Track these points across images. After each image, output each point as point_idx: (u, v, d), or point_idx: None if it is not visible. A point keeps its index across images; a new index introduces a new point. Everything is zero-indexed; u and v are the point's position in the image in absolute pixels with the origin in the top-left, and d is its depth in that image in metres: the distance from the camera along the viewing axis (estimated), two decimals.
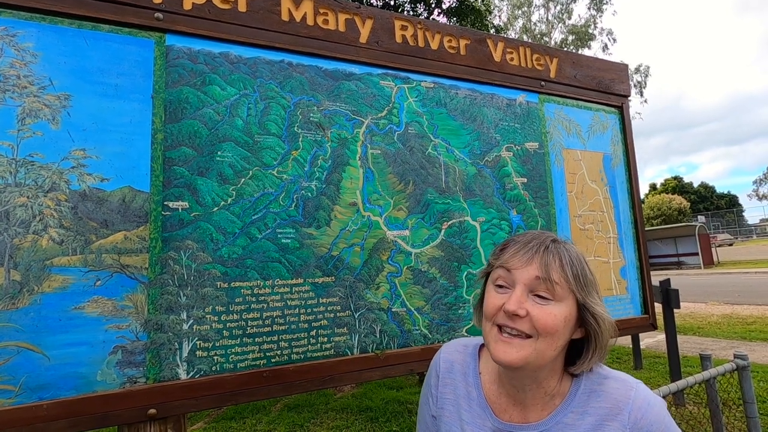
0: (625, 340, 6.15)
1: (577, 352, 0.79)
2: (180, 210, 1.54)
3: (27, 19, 1.44)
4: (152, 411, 1.41)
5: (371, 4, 6.57)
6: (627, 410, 0.73)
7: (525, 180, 2.25)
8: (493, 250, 0.84)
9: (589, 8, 22.51)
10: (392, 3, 6.64)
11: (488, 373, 0.86)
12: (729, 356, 5.24)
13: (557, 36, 23.45)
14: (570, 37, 22.74)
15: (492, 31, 8.24)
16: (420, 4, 6.68)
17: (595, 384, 0.77)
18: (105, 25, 1.53)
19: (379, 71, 1.99)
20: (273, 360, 1.60)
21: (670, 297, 4.24)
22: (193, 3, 1.66)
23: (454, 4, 7.05)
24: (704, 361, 2.54)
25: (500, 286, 0.77)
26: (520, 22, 23.73)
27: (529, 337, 0.72)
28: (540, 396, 0.78)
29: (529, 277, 0.73)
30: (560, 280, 0.73)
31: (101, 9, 1.52)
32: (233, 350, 1.55)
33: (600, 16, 22.52)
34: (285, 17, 1.82)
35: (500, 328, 0.75)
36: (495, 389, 0.83)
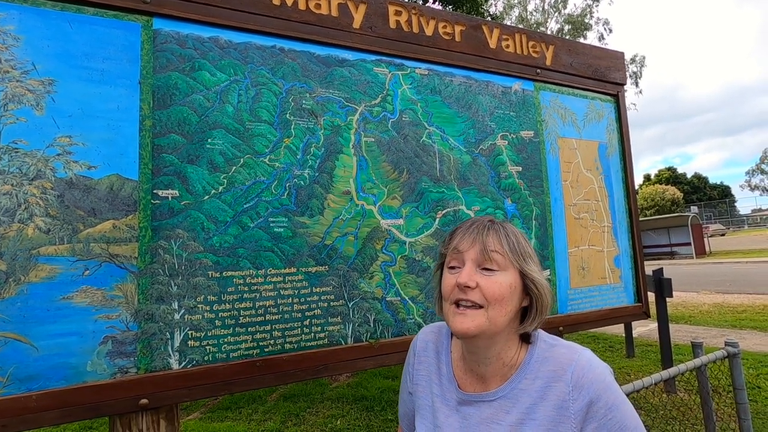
0: (618, 329, 6.21)
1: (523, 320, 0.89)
2: (170, 198, 1.52)
3: (8, 0, 1.39)
4: (144, 401, 1.40)
5: None
6: (570, 371, 0.80)
7: (520, 169, 2.24)
8: (442, 242, 0.92)
9: None
10: None
11: (457, 351, 0.94)
12: (720, 344, 5.32)
13: (553, 25, 23.31)
14: (566, 27, 22.59)
15: (488, 18, 8.15)
16: None
17: (546, 352, 0.85)
18: (89, 8, 1.48)
19: (373, 57, 1.95)
20: (266, 349, 1.59)
21: (663, 286, 4.28)
22: None
23: None
24: (695, 348, 2.57)
25: (453, 268, 0.86)
26: (516, 12, 23.55)
27: (481, 307, 0.80)
28: (499, 368, 0.86)
29: (475, 253, 0.83)
30: (499, 249, 0.83)
31: None
32: (226, 340, 1.54)
33: (596, 6, 22.34)
34: (276, 1, 1.77)
35: (457, 304, 0.82)
36: (462, 365, 0.91)
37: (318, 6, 1.86)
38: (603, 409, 0.77)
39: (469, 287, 0.81)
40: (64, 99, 1.42)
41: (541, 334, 0.90)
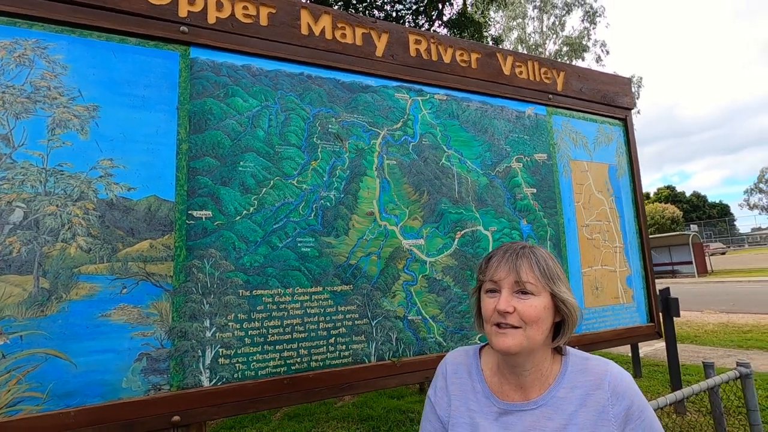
0: (624, 349, 6.19)
1: (556, 333, 0.99)
2: (204, 219, 1.57)
3: (57, 32, 1.47)
4: (176, 418, 1.42)
5: (373, 16, 6.66)
6: (607, 380, 0.90)
7: (534, 190, 2.30)
8: (479, 267, 1.01)
9: (582, 20, 22.90)
10: (394, 15, 6.75)
11: (489, 368, 1.01)
12: (727, 364, 5.30)
13: (551, 47, 23.81)
14: (564, 48, 23.09)
15: (490, 42, 8.37)
16: (421, 15, 6.79)
17: (580, 365, 0.94)
18: (132, 38, 1.57)
19: (395, 84, 2.04)
20: (293, 367, 1.62)
21: (670, 305, 4.28)
22: (216, 17, 1.71)
23: (454, 16, 7.16)
24: (707, 369, 2.58)
25: (491, 292, 0.95)
26: (515, 34, 24.09)
27: (519, 328, 0.89)
28: (537, 378, 0.94)
29: (510, 282, 0.91)
30: (531, 278, 0.91)
31: (129, 22, 1.56)
32: (254, 357, 1.57)
33: (593, 29, 22.87)
34: (305, 31, 1.87)
35: (498, 325, 0.91)
36: (497, 380, 0.98)
37: (343, 36, 1.95)
38: (638, 411, 0.88)
39: (508, 312, 0.90)
40: (107, 124, 1.48)
41: (571, 349, 0.99)
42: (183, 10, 1.65)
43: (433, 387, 1.08)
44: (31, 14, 1.43)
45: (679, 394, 2.24)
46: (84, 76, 1.48)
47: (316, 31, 1.89)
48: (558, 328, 0.95)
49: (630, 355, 5.74)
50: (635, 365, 5.50)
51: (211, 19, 1.70)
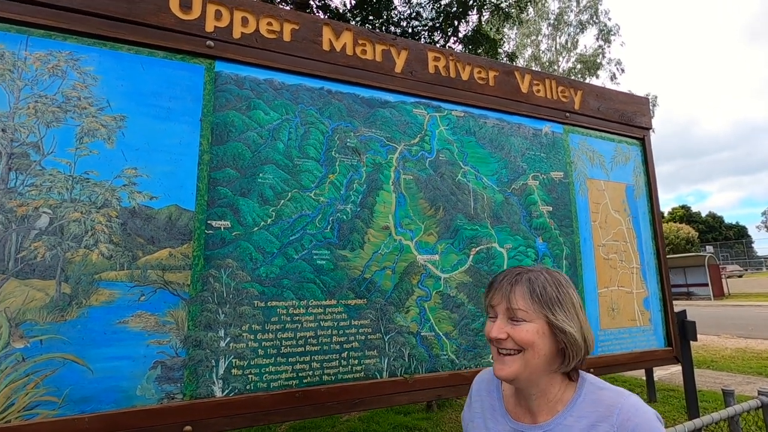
0: (638, 372, 6.03)
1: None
2: (222, 229, 1.59)
3: (90, 44, 1.52)
4: (188, 428, 1.42)
5: (390, 32, 6.77)
6: (616, 413, 0.85)
7: (550, 208, 2.29)
8: (485, 291, 1.02)
9: (597, 38, 22.94)
10: (410, 31, 6.84)
11: (509, 388, 1.03)
12: (746, 391, 5.12)
13: (565, 65, 23.84)
14: (578, 66, 23.10)
15: (504, 58, 8.42)
16: (437, 32, 6.88)
17: (593, 394, 0.91)
18: (160, 52, 1.61)
19: (413, 100, 2.06)
20: (305, 380, 1.61)
21: (686, 329, 4.18)
22: (242, 32, 1.75)
23: (469, 33, 7.23)
24: (727, 396, 2.50)
25: (490, 317, 0.97)
26: (528, 51, 24.21)
27: (518, 351, 0.89)
28: (545, 403, 0.93)
29: (503, 308, 0.93)
30: (522, 305, 0.91)
31: (158, 36, 1.61)
32: (267, 369, 1.57)
33: (608, 47, 22.90)
34: (326, 47, 1.90)
35: (498, 349, 0.93)
36: (513, 401, 1.00)
37: (364, 52, 1.98)
38: None
39: (501, 339, 0.91)
40: (132, 133, 1.52)
41: (589, 376, 0.96)
42: (210, 25, 1.70)
43: (465, 405, 1.15)
44: (66, 27, 1.49)
45: (698, 422, 2.17)
46: (113, 87, 1.53)
47: (338, 47, 1.93)
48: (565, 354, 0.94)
49: (644, 378, 5.59)
50: (649, 389, 5.35)
51: (237, 35, 1.74)
